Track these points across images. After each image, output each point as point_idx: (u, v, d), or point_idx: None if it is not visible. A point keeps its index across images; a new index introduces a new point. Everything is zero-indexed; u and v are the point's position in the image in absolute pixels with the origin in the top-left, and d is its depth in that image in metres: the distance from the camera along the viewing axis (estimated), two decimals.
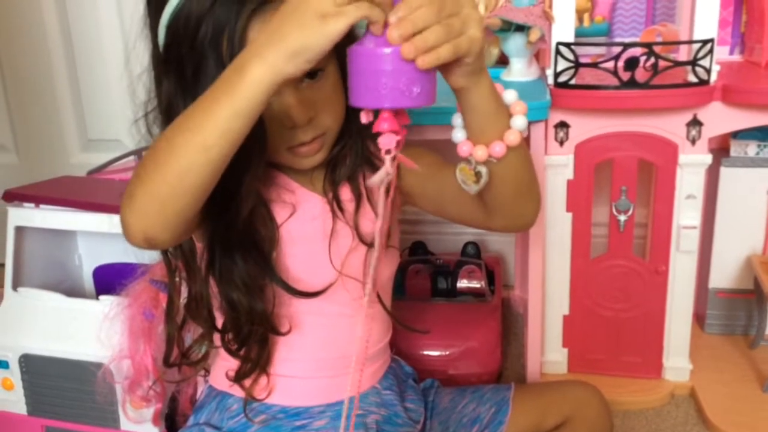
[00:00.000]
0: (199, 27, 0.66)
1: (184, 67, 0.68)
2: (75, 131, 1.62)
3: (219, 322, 0.80)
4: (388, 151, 0.58)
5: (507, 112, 0.67)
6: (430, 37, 0.54)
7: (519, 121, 0.67)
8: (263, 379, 0.81)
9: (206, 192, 0.61)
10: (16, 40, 1.58)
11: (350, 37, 0.57)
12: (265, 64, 0.55)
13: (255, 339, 0.77)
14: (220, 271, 0.75)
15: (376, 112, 0.59)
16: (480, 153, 0.67)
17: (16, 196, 1.05)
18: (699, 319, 1.25)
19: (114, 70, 1.54)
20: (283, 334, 0.78)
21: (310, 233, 0.79)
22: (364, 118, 0.59)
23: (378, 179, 0.58)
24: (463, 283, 1.28)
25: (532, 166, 0.75)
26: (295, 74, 0.55)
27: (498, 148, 0.67)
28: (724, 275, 1.19)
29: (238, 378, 0.80)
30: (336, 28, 0.53)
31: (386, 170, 0.58)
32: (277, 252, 0.77)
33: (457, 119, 0.69)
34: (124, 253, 1.10)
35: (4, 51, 1.59)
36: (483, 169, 0.69)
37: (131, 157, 1.26)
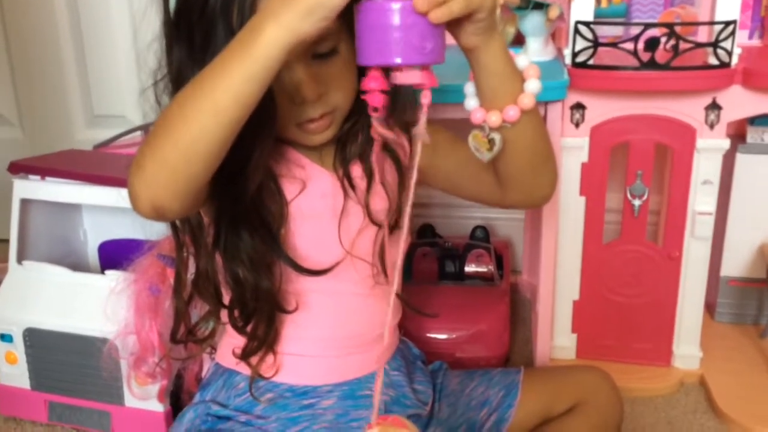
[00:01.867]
0: None
1: (194, 35, 0.67)
2: (81, 107, 1.61)
3: (226, 298, 0.79)
4: (375, 109, 0.58)
5: (520, 76, 0.67)
6: None
7: (533, 84, 0.66)
8: (270, 358, 0.80)
9: (217, 159, 0.60)
10: (24, 15, 1.56)
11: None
12: (281, 25, 0.54)
13: (261, 316, 0.76)
14: (226, 247, 0.73)
15: (387, 70, 0.58)
16: (494, 119, 0.66)
17: (21, 168, 1.04)
18: (709, 307, 1.23)
19: (121, 45, 1.53)
20: (289, 312, 0.77)
21: (320, 210, 0.77)
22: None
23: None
24: (471, 267, 1.27)
25: (547, 135, 0.74)
26: (310, 33, 0.54)
27: (512, 112, 0.66)
28: (736, 263, 1.18)
29: (244, 356, 0.79)
30: None
31: (376, 131, 0.59)
32: (286, 229, 0.75)
33: (469, 87, 0.69)
34: (130, 229, 1.10)
35: (12, 26, 1.58)
36: (497, 136, 0.68)
37: (138, 133, 1.25)
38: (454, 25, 0.61)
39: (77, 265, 1.12)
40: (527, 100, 0.66)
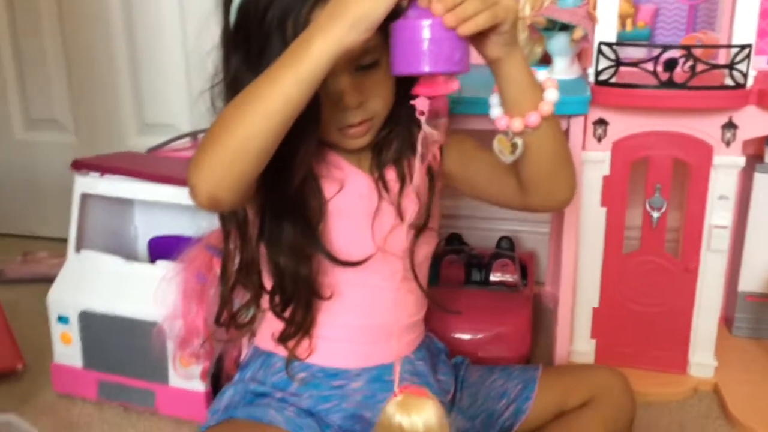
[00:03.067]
0: (267, 10, 0.72)
1: (251, 45, 0.75)
2: (132, 115, 1.71)
3: (268, 285, 0.86)
4: (422, 113, 0.65)
5: (540, 87, 0.74)
6: (468, 8, 0.62)
7: (551, 93, 0.73)
8: (305, 341, 0.87)
9: (267, 156, 0.67)
10: (82, 28, 1.67)
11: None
12: (328, 36, 0.62)
13: (299, 302, 0.83)
14: (269, 237, 0.81)
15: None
16: (516, 124, 0.73)
17: (83, 165, 1.13)
18: (728, 322, 1.27)
19: (171, 58, 1.63)
20: (325, 299, 0.84)
21: (356, 209, 0.85)
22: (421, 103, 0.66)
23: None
24: (496, 276, 1.32)
25: (566, 142, 0.81)
26: (354, 44, 0.62)
27: (533, 118, 0.73)
28: (753, 279, 1.22)
29: (282, 339, 0.86)
30: None
31: (424, 130, 0.65)
32: (324, 224, 0.83)
33: (494, 98, 0.76)
34: (178, 226, 1.18)
35: (70, 37, 1.69)
36: (519, 141, 0.75)
37: (186, 139, 1.34)
38: (479, 38, 0.68)
39: (128, 258, 1.20)
40: (546, 108, 0.74)
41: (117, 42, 1.66)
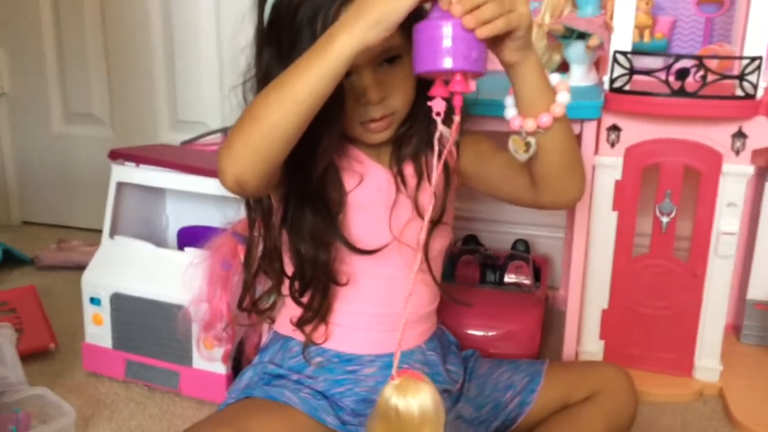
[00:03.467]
0: (299, 9, 0.78)
1: (282, 41, 0.81)
2: (167, 112, 1.78)
3: (289, 272, 0.91)
4: (438, 114, 0.69)
5: (552, 89, 0.79)
6: (486, 12, 0.67)
7: (563, 96, 0.77)
8: (322, 327, 0.92)
9: (291, 143, 0.73)
10: (122, 28, 1.75)
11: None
12: (351, 33, 0.67)
13: (317, 288, 0.88)
14: (292, 224, 0.86)
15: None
16: (530, 124, 0.78)
17: (119, 155, 1.19)
18: (736, 329, 1.30)
19: (206, 59, 1.70)
20: (342, 285, 0.89)
21: (375, 201, 0.90)
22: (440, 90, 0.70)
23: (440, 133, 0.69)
24: (510, 278, 1.36)
25: (576, 144, 0.85)
26: (375, 41, 0.67)
27: (545, 119, 0.77)
28: (762, 287, 1.24)
29: (300, 323, 0.91)
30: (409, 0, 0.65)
31: (440, 130, 0.69)
32: (343, 215, 0.88)
33: (509, 100, 0.81)
34: (207, 217, 1.24)
35: (111, 37, 1.77)
36: (532, 140, 0.79)
37: (218, 134, 1.40)
38: (497, 43, 0.73)
39: (159, 246, 1.27)
40: (558, 109, 0.78)
41: (155, 42, 1.74)
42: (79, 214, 1.90)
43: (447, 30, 0.66)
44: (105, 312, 1.15)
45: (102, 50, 1.79)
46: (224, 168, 0.75)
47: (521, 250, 1.44)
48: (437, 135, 0.69)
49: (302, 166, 0.82)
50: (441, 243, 0.96)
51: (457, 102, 0.69)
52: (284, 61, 0.77)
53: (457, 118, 0.69)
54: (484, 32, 0.67)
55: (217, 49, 1.69)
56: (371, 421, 0.69)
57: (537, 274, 1.39)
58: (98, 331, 1.17)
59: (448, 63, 0.67)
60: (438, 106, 0.70)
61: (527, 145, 0.80)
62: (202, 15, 1.67)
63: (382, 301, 0.92)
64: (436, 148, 0.70)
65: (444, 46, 0.66)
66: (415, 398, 0.67)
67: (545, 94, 0.78)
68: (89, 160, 1.85)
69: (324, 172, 0.84)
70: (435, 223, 0.91)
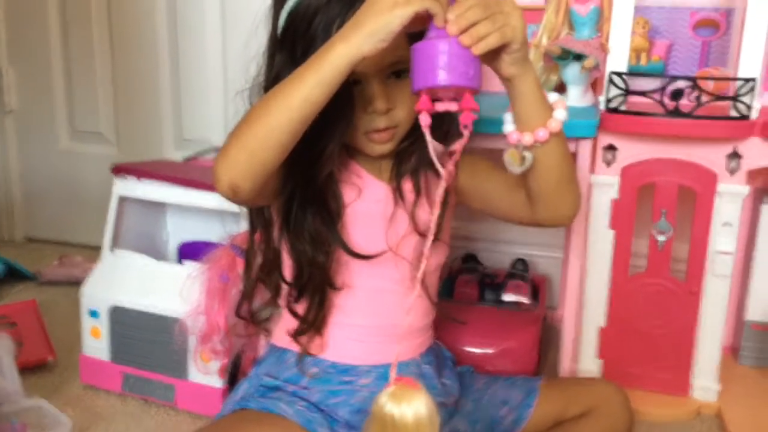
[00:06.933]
0: (315, 16, 0.80)
1: (296, 47, 0.82)
2: (172, 130, 1.79)
3: (288, 277, 0.92)
4: (427, 127, 0.71)
5: (549, 106, 0.80)
6: (481, 29, 0.68)
7: (560, 113, 0.79)
8: (318, 339, 0.92)
9: (287, 149, 0.74)
10: (129, 48, 1.77)
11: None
12: (348, 44, 0.69)
13: (314, 293, 0.89)
14: (294, 225, 0.87)
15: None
16: (527, 138, 0.79)
17: (122, 170, 1.20)
18: (734, 351, 1.29)
19: (212, 78, 1.71)
20: (336, 289, 0.90)
21: (373, 213, 0.91)
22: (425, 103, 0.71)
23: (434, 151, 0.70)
24: (509, 297, 1.36)
25: (572, 160, 0.86)
26: (371, 51, 0.69)
27: (542, 133, 0.79)
28: (760, 308, 1.24)
29: (296, 334, 0.92)
30: (404, 13, 0.67)
31: (429, 143, 0.70)
32: (342, 224, 0.89)
33: (507, 115, 0.82)
34: (207, 233, 1.25)
35: (118, 57, 1.79)
36: (528, 154, 0.81)
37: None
38: (494, 57, 0.74)
39: (159, 260, 1.28)
40: (555, 124, 0.79)
41: (161, 62, 1.76)
42: (83, 231, 1.91)
43: (443, 48, 0.68)
44: (103, 325, 1.16)
45: (109, 69, 1.82)
46: (219, 172, 0.76)
47: (520, 269, 1.45)
48: (430, 148, 0.71)
49: (307, 169, 0.83)
50: (437, 259, 0.97)
51: (467, 119, 0.71)
52: (295, 66, 0.77)
53: (466, 133, 0.71)
54: (480, 48, 0.69)
55: (222, 69, 1.71)
56: (366, 428, 0.69)
57: (535, 294, 1.39)
58: (96, 344, 1.17)
59: (444, 79, 0.68)
60: (424, 120, 0.71)
61: (523, 158, 0.81)
62: (208, 35, 1.70)
63: (376, 313, 0.93)
64: (440, 167, 0.71)
65: (440, 63, 0.68)
66: (410, 406, 0.67)
67: (543, 110, 0.80)
68: (95, 177, 1.86)
69: (327, 178, 0.86)
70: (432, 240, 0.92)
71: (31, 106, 1.90)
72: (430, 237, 0.73)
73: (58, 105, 1.88)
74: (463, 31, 0.68)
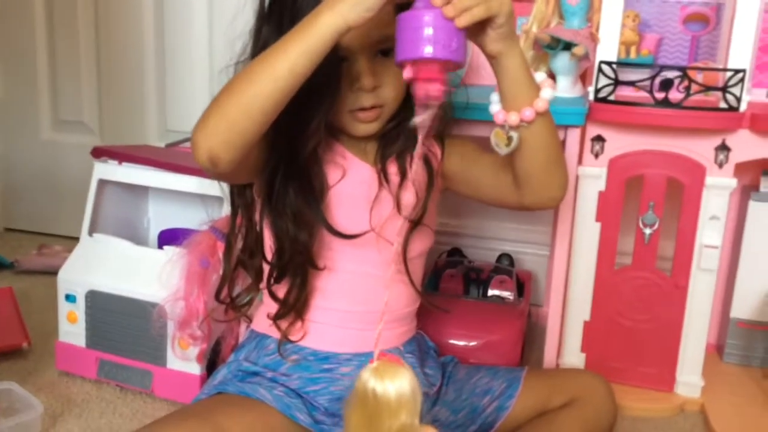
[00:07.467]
0: None
1: (283, 18, 0.80)
2: (155, 121, 1.77)
3: (269, 257, 0.90)
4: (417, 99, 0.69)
5: (536, 85, 0.79)
6: (466, 1, 0.67)
7: (546, 92, 0.78)
8: (298, 324, 0.91)
9: (268, 120, 0.72)
10: (115, 37, 1.75)
11: None
12: (333, 12, 0.68)
13: (295, 273, 0.87)
14: (276, 203, 0.85)
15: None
16: (513, 118, 0.78)
17: (103, 153, 1.18)
18: (719, 348, 1.29)
19: (197, 68, 1.70)
20: (318, 269, 0.88)
21: (357, 194, 0.89)
22: (409, 73, 0.70)
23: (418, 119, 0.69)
24: (494, 292, 1.35)
25: (559, 141, 0.85)
26: (357, 21, 0.68)
27: (528, 113, 0.78)
28: (745, 306, 1.23)
29: (277, 317, 0.90)
30: None
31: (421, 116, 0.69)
32: (325, 204, 0.87)
33: (494, 96, 0.81)
34: (189, 221, 1.22)
35: (104, 46, 1.77)
36: (514, 134, 0.79)
37: None
38: (479, 33, 0.73)
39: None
40: (541, 104, 0.79)
41: (146, 52, 1.74)
42: (64, 222, 1.88)
43: (427, 19, 0.67)
44: (80, 310, 1.13)
45: (94, 59, 1.79)
46: (198, 141, 0.74)
47: (505, 264, 1.43)
48: (417, 120, 0.69)
49: (292, 144, 0.82)
50: (421, 245, 0.95)
51: (437, 91, 0.69)
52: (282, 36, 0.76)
53: (434, 110, 0.69)
54: (464, 21, 0.68)
55: (208, 59, 1.69)
56: (348, 404, 0.67)
57: (521, 290, 1.38)
58: (72, 329, 1.14)
59: (428, 51, 0.67)
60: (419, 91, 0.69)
61: (509, 138, 0.80)
62: (194, 25, 1.68)
63: (358, 298, 0.91)
64: (420, 136, 0.70)
65: (424, 35, 0.67)
66: (393, 382, 0.65)
67: (529, 89, 0.79)
68: (77, 168, 1.83)
69: (311, 155, 0.84)
70: (415, 224, 0.91)
71: (14, 95, 1.87)
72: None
73: (41, 94, 1.85)
74: (448, 1, 0.67)
